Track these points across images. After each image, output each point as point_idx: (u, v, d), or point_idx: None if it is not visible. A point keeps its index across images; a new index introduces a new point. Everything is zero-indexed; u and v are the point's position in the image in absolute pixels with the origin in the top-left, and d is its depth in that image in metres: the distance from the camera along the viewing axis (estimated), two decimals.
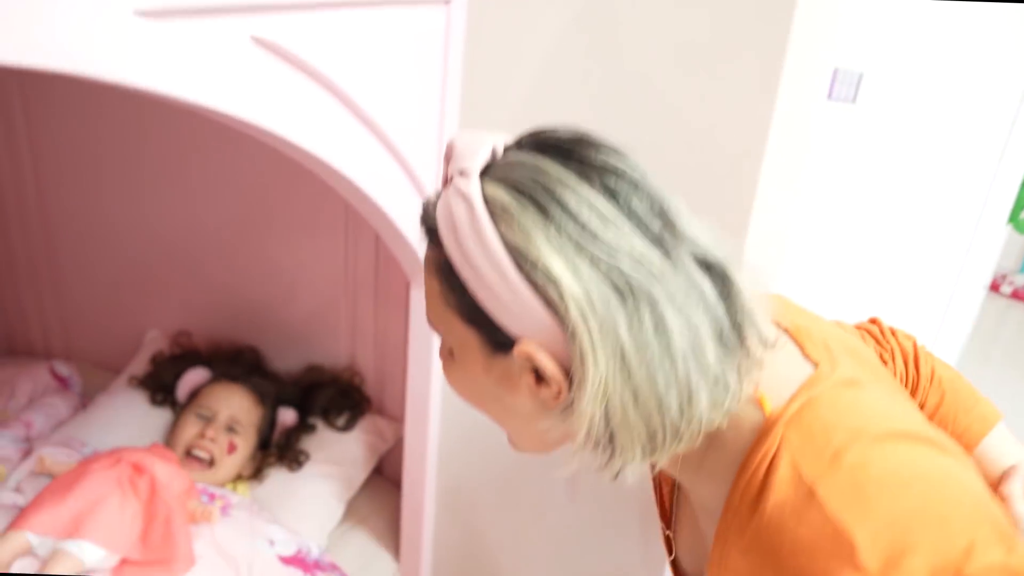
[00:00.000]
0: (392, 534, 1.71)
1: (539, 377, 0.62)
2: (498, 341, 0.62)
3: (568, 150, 0.61)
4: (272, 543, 1.43)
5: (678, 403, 0.60)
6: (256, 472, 1.61)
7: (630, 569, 1.55)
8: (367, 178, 1.07)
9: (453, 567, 1.74)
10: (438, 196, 0.64)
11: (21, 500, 1.41)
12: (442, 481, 1.62)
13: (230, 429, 1.58)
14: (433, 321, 0.68)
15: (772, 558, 0.62)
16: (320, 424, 1.72)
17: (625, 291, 0.58)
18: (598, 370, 0.58)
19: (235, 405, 1.60)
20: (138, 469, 1.38)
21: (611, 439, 0.62)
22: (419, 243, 1.02)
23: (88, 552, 1.26)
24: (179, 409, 1.66)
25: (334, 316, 1.72)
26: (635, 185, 0.60)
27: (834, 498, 0.60)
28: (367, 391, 1.77)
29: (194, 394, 1.65)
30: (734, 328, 0.62)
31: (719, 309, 0.61)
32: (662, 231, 0.60)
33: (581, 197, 0.58)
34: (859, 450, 0.61)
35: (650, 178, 0.62)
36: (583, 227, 0.58)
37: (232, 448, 1.57)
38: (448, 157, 0.64)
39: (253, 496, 1.59)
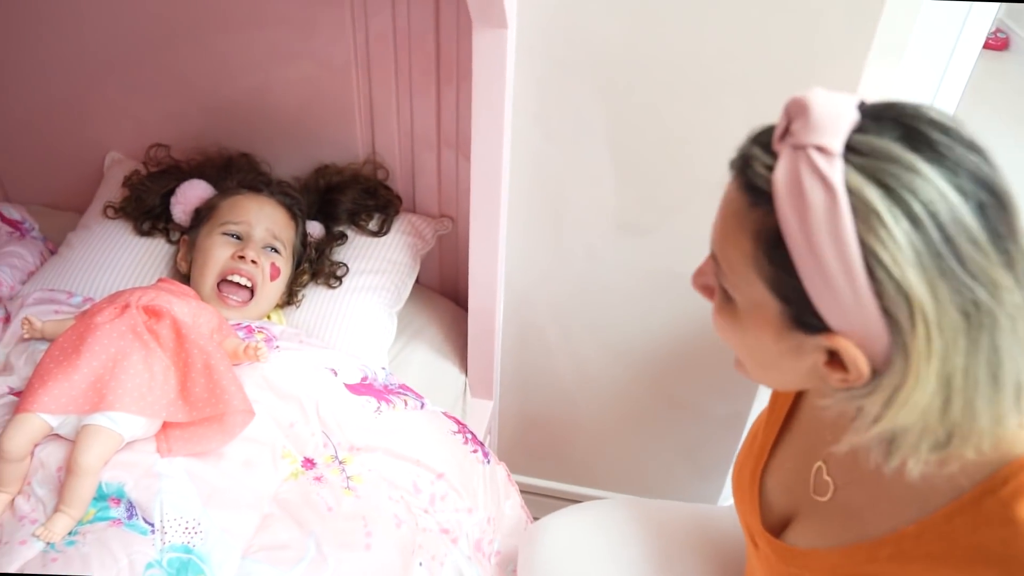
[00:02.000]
0: (451, 345, 1.51)
1: (832, 361, 0.61)
2: (805, 322, 0.60)
3: (941, 153, 0.56)
4: (335, 372, 1.19)
5: (989, 424, 0.59)
6: (289, 297, 1.35)
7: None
8: None
9: (519, 376, 1.61)
10: (766, 150, 0.59)
11: (14, 381, 1.14)
12: (507, 290, 1.46)
13: (271, 249, 1.29)
14: (725, 269, 0.65)
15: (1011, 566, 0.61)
16: (351, 231, 1.44)
17: (973, 317, 0.56)
18: (920, 388, 0.57)
19: (271, 219, 1.30)
20: (153, 313, 1.10)
21: (896, 434, 0.61)
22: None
23: (123, 424, 1.01)
24: (187, 233, 1.36)
25: (343, 102, 1.39)
26: (1001, 202, 0.57)
27: None
28: (395, 188, 1.48)
29: (203, 214, 1.34)
30: None
31: None
32: (1014, 252, 0.57)
33: (956, 214, 0.55)
34: None
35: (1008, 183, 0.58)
36: (954, 248, 0.55)
37: (276, 272, 1.28)
38: (795, 113, 0.58)
39: (291, 324, 1.34)
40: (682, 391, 1.53)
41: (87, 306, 1.23)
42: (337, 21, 1.29)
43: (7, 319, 1.27)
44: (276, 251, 1.30)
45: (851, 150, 0.56)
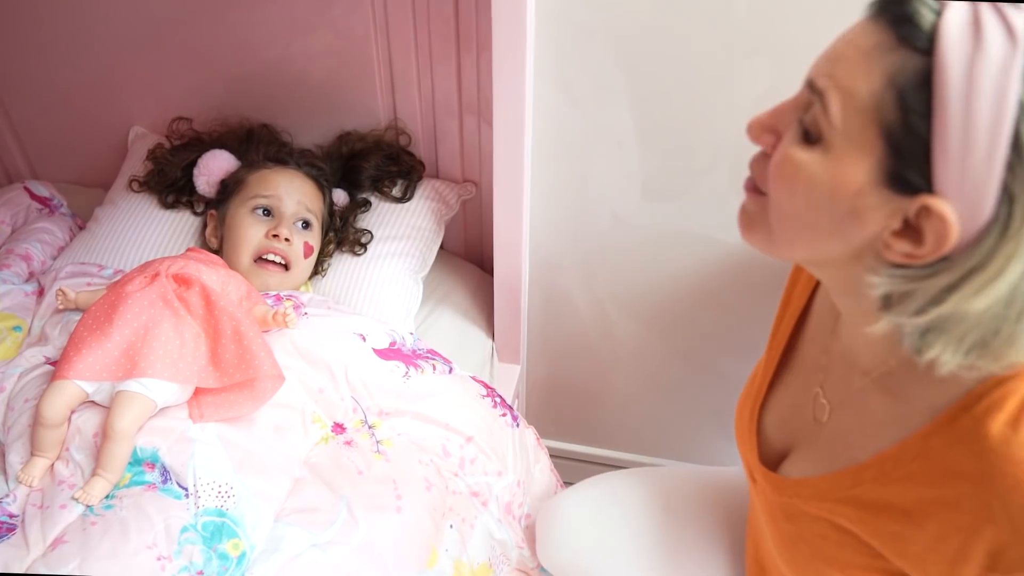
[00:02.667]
0: (477, 310, 1.51)
1: (904, 231, 0.59)
2: (903, 179, 0.58)
3: None
4: (364, 337, 1.20)
5: None
6: (316, 265, 1.35)
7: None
8: None
9: (546, 341, 1.61)
10: None
11: (50, 351, 1.16)
12: (532, 256, 1.45)
13: (303, 225, 1.30)
14: (834, 104, 0.60)
15: (1005, 477, 0.61)
16: (375, 198, 1.44)
17: None
18: (1004, 275, 0.56)
19: (301, 192, 1.31)
20: (183, 281, 1.11)
21: (945, 324, 0.59)
22: None
23: (156, 390, 1.02)
24: (212, 206, 1.37)
25: (364, 71, 1.38)
26: None
27: None
28: (417, 153, 1.47)
29: (230, 187, 1.35)
30: None
31: None
32: None
33: None
34: None
35: None
36: None
37: (309, 249, 1.29)
38: None
39: (318, 292, 1.35)
40: (708, 353, 1.53)
41: (118, 277, 1.24)
42: None
43: (41, 292, 1.29)
44: (307, 225, 1.30)
45: None
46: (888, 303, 0.62)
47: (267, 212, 1.29)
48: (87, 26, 1.44)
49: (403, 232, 1.41)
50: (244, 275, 1.22)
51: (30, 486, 1.00)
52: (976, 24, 0.53)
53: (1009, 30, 0.53)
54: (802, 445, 0.84)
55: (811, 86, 0.63)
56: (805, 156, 0.63)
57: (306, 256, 1.29)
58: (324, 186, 1.36)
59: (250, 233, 1.27)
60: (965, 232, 0.56)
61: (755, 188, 0.71)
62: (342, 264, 1.37)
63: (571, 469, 1.76)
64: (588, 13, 1.16)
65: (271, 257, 1.26)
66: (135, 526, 0.94)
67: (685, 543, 1.09)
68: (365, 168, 1.41)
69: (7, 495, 1.00)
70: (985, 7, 0.54)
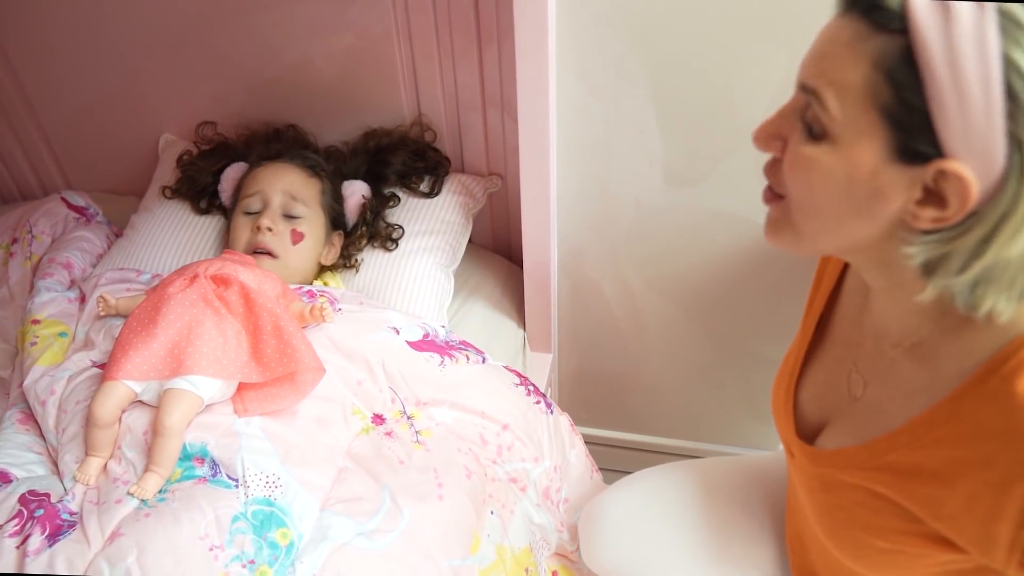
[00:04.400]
0: (507, 301, 1.53)
1: (926, 199, 0.61)
2: (913, 150, 0.60)
3: None
4: (398, 330, 1.23)
5: None
6: (347, 261, 1.38)
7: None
8: None
9: (576, 330, 1.63)
10: None
11: (96, 355, 1.19)
12: (560, 246, 1.47)
13: (288, 216, 1.31)
14: (828, 99, 0.63)
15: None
16: (403, 194, 1.47)
17: None
18: None
19: (285, 182, 1.32)
20: (221, 281, 1.14)
21: (991, 273, 0.61)
22: None
23: (202, 386, 1.06)
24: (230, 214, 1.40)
25: (386, 69, 1.40)
26: None
27: None
28: (443, 149, 1.49)
29: (237, 194, 1.39)
30: None
31: None
32: None
33: None
34: None
35: None
36: None
37: (297, 237, 1.30)
38: None
39: (351, 288, 1.37)
40: (738, 335, 1.53)
41: (156, 282, 1.28)
42: None
43: (83, 299, 1.32)
44: (296, 216, 1.31)
45: None
46: (930, 269, 0.64)
47: (258, 211, 1.31)
48: (112, 38, 1.47)
49: (432, 227, 1.43)
50: (256, 264, 1.25)
51: (87, 484, 1.04)
52: None
53: None
54: (837, 418, 0.85)
55: (804, 88, 0.66)
56: (815, 151, 0.65)
57: (294, 243, 1.29)
58: (320, 174, 1.37)
59: (239, 234, 1.30)
60: (984, 185, 0.58)
61: (773, 195, 0.73)
62: (374, 260, 1.40)
63: (606, 455, 1.78)
64: (606, 3, 1.17)
65: (259, 250, 1.28)
66: (187, 516, 0.97)
67: (729, 533, 1.10)
68: (392, 163, 1.43)
69: (66, 494, 1.03)
70: None
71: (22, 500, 1.00)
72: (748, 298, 1.47)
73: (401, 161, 1.43)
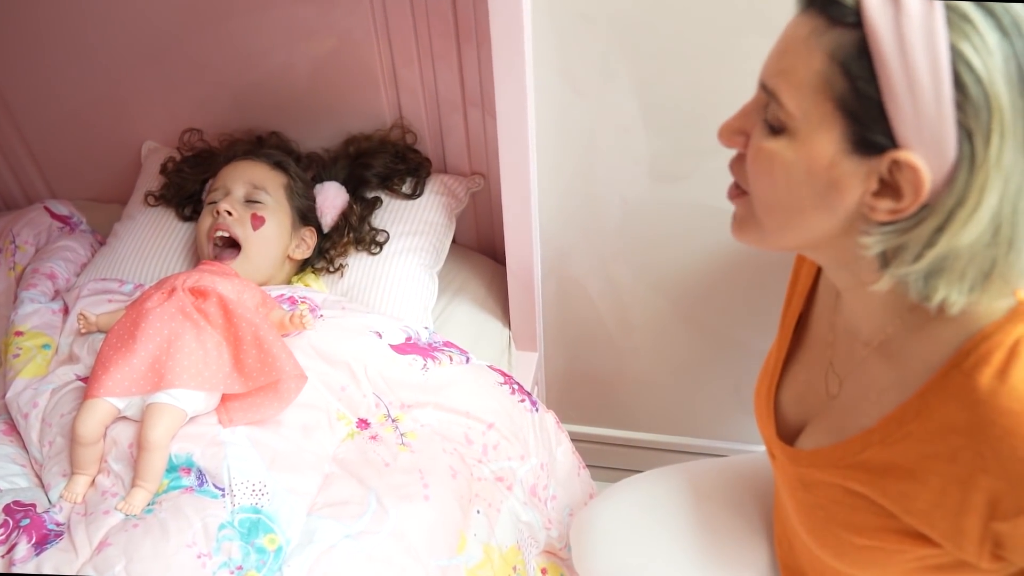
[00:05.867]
0: (492, 301, 1.53)
1: (882, 190, 0.63)
2: (868, 141, 0.62)
3: None
4: (380, 334, 1.23)
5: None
6: (331, 264, 1.38)
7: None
8: None
9: (563, 328, 1.64)
10: None
11: (80, 369, 1.20)
12: (544, 245, 1.48)
13: (250, 201, 1.31)
14: (785, 94, 0.65)
15: (995, 426, 0.64)
16: (385, 196, 1.47)
17: None
18: (982, 205, 0.59)
19: (248, 174, 1.32)
20: (199, 293, 1.15)
21: (943, 264, 0.62)
22: None
23: (184, 400, 1.06)
24: None
25: (367, 72, 1.40)
26: None
27: None
28: (424, 150, 1.49)
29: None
30: None
31: None
32: None
33: None
34: None
35: None
36: None
37: (258, 221, 1.29)
38: None
39: (335, 292, 1.38)
40: (726, 329, 1.54)
41: (138, 293, 1.28)
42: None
43: (66, 310, 1.33)
44: (257, 202, 1.30)
45: None
46: (886, 260, 0.66)
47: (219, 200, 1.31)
48: (93, 45, 1.47)
49: (415, 228, 1.43)
50: (237, 274, 1.25)
51: (74, 503, 1.05)
52: None
53: None
54: (816, 418, 0.87)
55: (764, 88, 0.68)
56: (775, 145, 0.67)
57: (255, 227, 1.29)
58: (286, 168, 1.37)
59: (203, 224, 1.31)
60: (937, 176, 0.60)
61: (739, 191, 0.75)
62: (357, 263, 1.40)
63: (595, 452, 1.79)
64: (589, 1, 1.17)
65: (218, 235, 1.28)
66: (174, 526, 0.98)
67: (721, 536, 1.11)
68: (373, 166, 1.43)
69: (53, 506, 1.04)
70: None
71: (7, 510, 1.01)
72: (735, 292, 1.48)
73: (382, 164, 1.44)
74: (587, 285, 1.55)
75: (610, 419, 1.79)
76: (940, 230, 0.61)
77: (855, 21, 0.60)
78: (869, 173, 0.63)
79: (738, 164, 0.74)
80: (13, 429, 1.18)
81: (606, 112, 1.29)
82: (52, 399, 1.15)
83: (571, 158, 1.35)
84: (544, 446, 1.31)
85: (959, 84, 0.57)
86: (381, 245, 1.40)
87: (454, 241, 1.53)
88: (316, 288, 1.36)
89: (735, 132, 0.72)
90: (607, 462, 1.81)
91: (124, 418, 1.09)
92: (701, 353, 1.60)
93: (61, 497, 1.05)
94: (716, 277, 1.47)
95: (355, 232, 1.39)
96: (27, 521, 1.01)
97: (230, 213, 1.27)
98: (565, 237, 1.47)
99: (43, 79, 1.54)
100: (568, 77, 1.26)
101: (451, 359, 1.26)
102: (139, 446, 1.04)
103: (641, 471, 1.23)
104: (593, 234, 1.46)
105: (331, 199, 1.41)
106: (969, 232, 0.60)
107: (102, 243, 1.54)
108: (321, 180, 1.44)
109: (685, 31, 1.17)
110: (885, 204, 0.63)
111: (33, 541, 0.99)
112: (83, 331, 1.23)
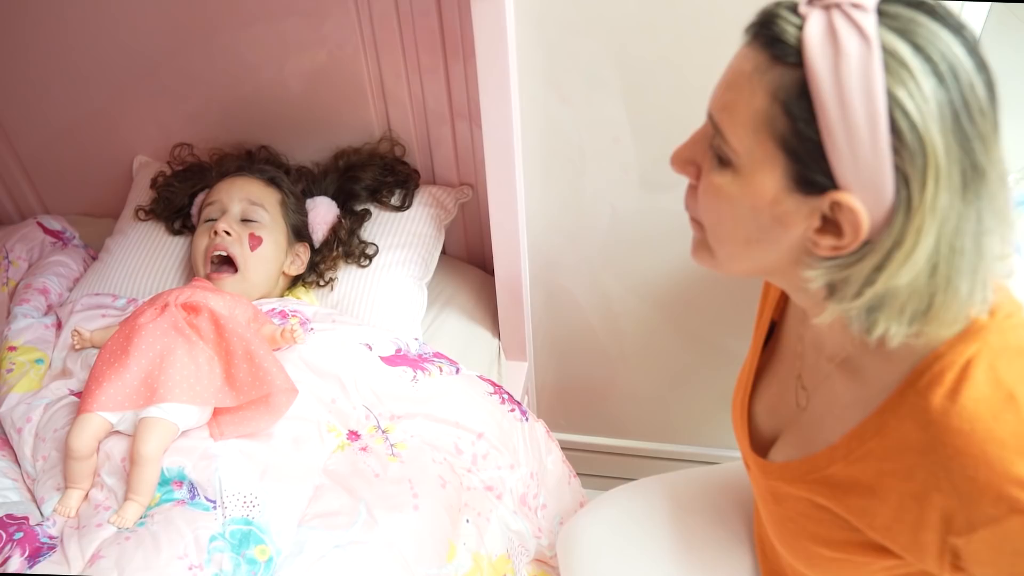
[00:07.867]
0: (482, 311, 1.55)
1: (824, 227, 0.64)
2: (810, 180, 0.63)
3: (958, 27, 0.60)
4: (370, 347, 1.24)
5: (966, 295, 0.63)
6: (321, 278, 1.40)
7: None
8: None
9: (553, 337, 1.65)
10: (792, 11, 0.62)
11: (74, 384, 1.21)
12: (533, 255, 1.49)
13: (247, 220, 1.32)
14: (729, 129, 0.66)
15: (946, 446, 0.65)
16: (374, 208, 1.48)
17: (969, 181, 0.60)
18: (919, 246, 0.60)
19: (244, 190, 1.33)
20: (192, 309, 1.16)
21: (883, 300, 0.64)
22: None
23: (176, 414, 1.08)
24: None
25: (355, 86, 1.42)
26: (993, 85, 0.61)
27: None
28: (413, 162, 1.51)
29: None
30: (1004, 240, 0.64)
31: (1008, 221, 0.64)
32: (997, 131, 0.62)
33: (971, 81, 0.59)
34: None
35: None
36: (968, 111, 0.59)
37: (256, 241, 1.30)
38: None
39: (325, 304, 1.39)
40: (715, 336, 1.55)
41: (131, 308, 1.30)
42: (341, 7, 1.32)
43: (59, 325, 1.34)
44: (254, 221, 1.32)
45: (880, 13, 0.60)
46: (831, 292, 0.67)
47: (215, 217, 1.32)
48: (84, 61, 1.48)
49: (404, 240, 1.44)
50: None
51: (68, 517, 1.06)
52: (832, 32, 0.59)
53: (860, 32, 0.58)
54: (787, 431, 0.88)
55: (711, 119, 0.69)
56: (722, 180, 0.69)
57: (252, 247, 1.30)
58: (280, 184, 1.38)
59: (199, 242, 1.32)
60: (875, 217, 0.61)
61: (694, 219, 0.77)
62: (347, 275, 1.41)
63: (586, 460, 1.80)
64: (572, 11, 1.18)
65: (216, 255, 1.29)
66: (166, 538, 0.99)
67: (704, 546, 1.12)
68: (362, 179, 1.45)
69: (47, 519, 1.05)
70: (837, 15, 0.59)
71: (0, 524, 1.02)
72: (723, 300, 1.49)
73: (371, 177, 1.45)
74: (576, 294, 1.56)
75: (600, 427, 1.80)
76: (879, 269, 0.62)
77: (796, 61, 0.60)
78: (812, 211, 0.64)
79: (691, 195, 0.76)
80: (6, 443, 1.19)
81: (596, 122, 1.30)
82: (45, 414, 1.17)
83: (559, 167, 1.37)
84: (534, 455, 1.32)
85: (895, 129, 0.58)
86: (370, 258, 1.41)
87: (443, 252, 1.54)
88: (307, 301, 1.37)
89: (686, 162, 0.74)
90: (598, 470, 1.82)
91: (117, 432, 1.10)
92: (690, 361, 1.62)
93: (55, 511, 1.06)
94: (705, 286, 1.49)
95: (344, 246, 1.40)
96: (20, 534, 1.02)
97: (228, 233, 1.28)
98: (554, 246, 1.48)
99: (35, 94, 1.55)
100: (555, 86, 1.27)
101: (441, 370, 1.27)
102: (132, 460, 1.05)
103: (633, 479, 1.24)
104: (582, 243, 1.47)
105: (323, 215, 1.43)
106: (907, 272, 0.61)
107: (95, 258, 1.56)
108: (311, 194, 1.46)
109: (672, 40, 1.18)
110: (827, 241, 0.64)
111: (26, 554, 1.00)
112: (77, 347, 1.25)
